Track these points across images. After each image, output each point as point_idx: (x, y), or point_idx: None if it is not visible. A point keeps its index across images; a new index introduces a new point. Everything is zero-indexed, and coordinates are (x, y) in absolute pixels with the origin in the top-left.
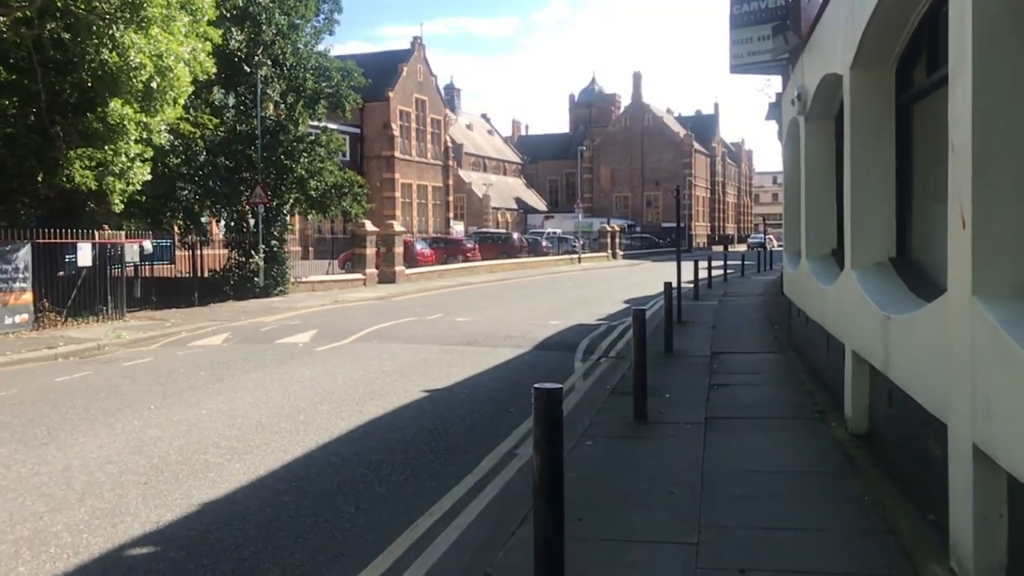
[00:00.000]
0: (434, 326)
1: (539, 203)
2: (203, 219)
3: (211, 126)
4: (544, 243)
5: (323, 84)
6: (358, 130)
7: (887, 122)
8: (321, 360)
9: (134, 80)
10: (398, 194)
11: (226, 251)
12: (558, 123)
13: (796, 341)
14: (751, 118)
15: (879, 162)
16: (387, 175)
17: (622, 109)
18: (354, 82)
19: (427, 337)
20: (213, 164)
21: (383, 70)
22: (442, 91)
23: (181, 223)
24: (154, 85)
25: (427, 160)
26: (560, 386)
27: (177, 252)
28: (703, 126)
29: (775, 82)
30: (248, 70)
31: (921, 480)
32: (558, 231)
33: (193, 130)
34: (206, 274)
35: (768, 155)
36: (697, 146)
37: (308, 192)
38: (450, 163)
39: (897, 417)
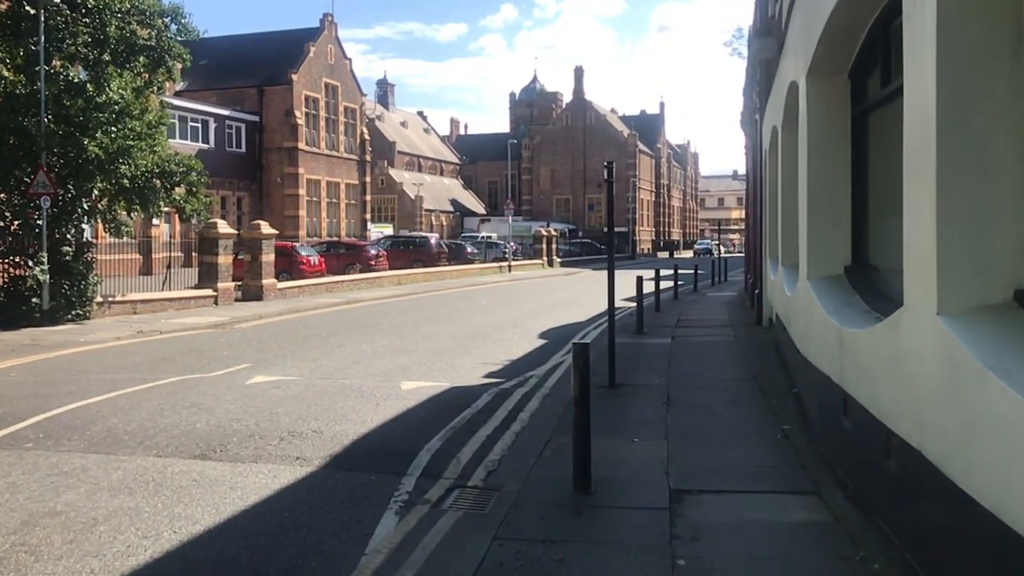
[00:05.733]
0: (190, 399)
1: (477, 205)
2: None
3: None
4: (469, 249)
5: (137, 32)
6: (257, 118)
7: None
8: None
9: None
10: (302, 191)
11: None
12: (500, 124)
13: (835, 455)
14: (697, 120)
15: None
16: (290, 169)
17: (564, 107)
18: (186, 35)
19: (140, 434)
20: None
21: (286, 50)
22: (359, 79)
23: None
24: None
25: (339, 153)
26: None
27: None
28: (648, 126)
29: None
30: (32, 12)
31: None
32: (493, 235)
33: None
34: None
35: (714, 158)
36: (642, 146)
37: (119, 180)
38: (367, 157)
39: None
